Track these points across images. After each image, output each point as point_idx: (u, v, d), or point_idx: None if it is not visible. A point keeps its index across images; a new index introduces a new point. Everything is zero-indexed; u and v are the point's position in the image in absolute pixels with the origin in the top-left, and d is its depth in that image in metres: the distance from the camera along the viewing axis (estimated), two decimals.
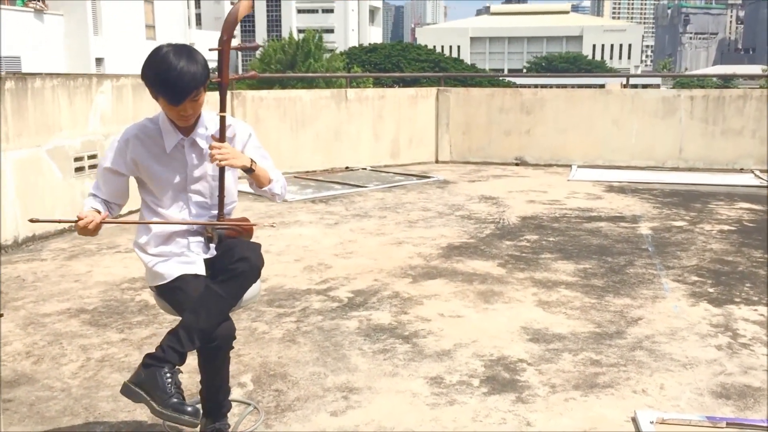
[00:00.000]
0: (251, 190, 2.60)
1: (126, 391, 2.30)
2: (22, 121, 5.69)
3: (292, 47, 35.08)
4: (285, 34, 49.62)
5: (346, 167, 9.83)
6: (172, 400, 2.19)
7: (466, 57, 74.07)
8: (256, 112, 9.21)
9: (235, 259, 2.35)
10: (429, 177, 9.07)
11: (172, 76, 2.24)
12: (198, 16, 52.73)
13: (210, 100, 2.61)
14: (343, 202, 7.53)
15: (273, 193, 2.56)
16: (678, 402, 3.08)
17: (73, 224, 2.31)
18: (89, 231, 2.30)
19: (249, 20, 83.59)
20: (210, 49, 2.45)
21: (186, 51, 2.30)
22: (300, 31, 49.13)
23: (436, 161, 10.47)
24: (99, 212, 2.39)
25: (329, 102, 9.77)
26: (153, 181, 2.47)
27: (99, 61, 36.88)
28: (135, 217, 2.65)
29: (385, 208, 7.19)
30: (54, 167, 6.05)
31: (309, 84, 25.14)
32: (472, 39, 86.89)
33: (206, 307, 2.29)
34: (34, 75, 5.91)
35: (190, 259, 2.44)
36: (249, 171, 2.43)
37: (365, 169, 9.79)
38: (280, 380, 3.27)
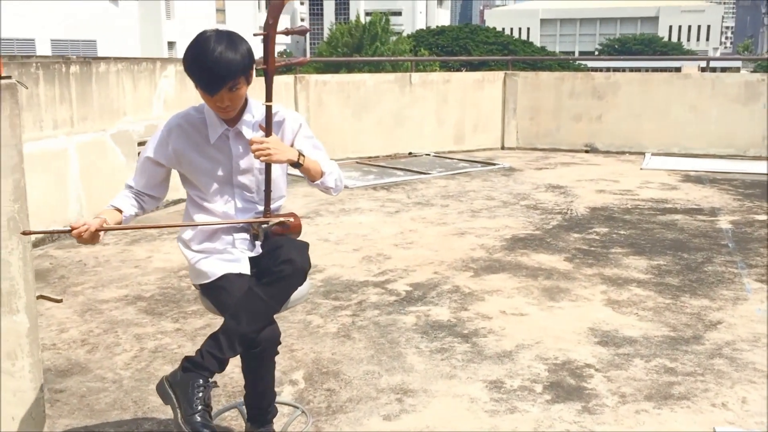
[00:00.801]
0: None
1: (160, 388, 2.20)
2: (86, 106, 5.72)
3: (359, 30, 34.99)
4: (353, 17, 49.56)
5: (409, 153, 9.65)
6: (194, 417, 2.08)
7: (536, 39, 72.54)
8: (319, 97, 9.12)
9: (279, 261, 2.20)
10: (494, 164, 8.81)
11: (207, 62, 2.12)
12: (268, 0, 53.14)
13: (258, 87, 2.46)
14: (405, 189, 7.36)
15: (326, 186, 2.40)
16: (762, 418, 2.81)
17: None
18: (85, 240, 2.13)
19: (317, 3, 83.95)
20: (254, 34, 2.30)
21: (227, 37, 2.16)
22: (367, 14, 49.01)
23: (502, 147, 10.19)
24: (120, 211, 2.30)
25: (393, 86, 9.60)
26: (196, 174, 2.34)
27: (171, 44, 37.71)
28: (179, 210, 2.54)
29: (448, 196, 6.99)
30: (118, 151, 6.08)
31: (376, 68, 25.01)
32: (543, 21, 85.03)
33: (248, 311, 2.16)
34: (98, 59, 5.94)
35: (235, 256, 2.32)
36: (297, 165, 2.29)
37: (428, 155, 9.60)
38: (333, 379, 3.15)
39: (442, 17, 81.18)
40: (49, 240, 5.41)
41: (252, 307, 2.16)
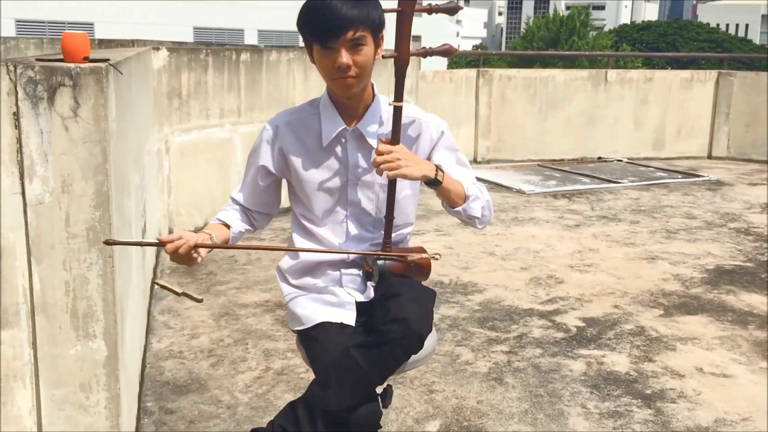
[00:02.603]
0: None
1: None
2: (254, 95, 5.56)
3: (556, 24, 33.64)
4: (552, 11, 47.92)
5: (599, 158, 8.75)
6: None
7: (755, 37, 66.19)
8: (502, 92, 8.50)
9: (389, 318, 1.65)
10: (698, 175, 7.71)
11: (324, 5, 1.66)
12: None
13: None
14: (590, 199, 6.57)
15: (469, 215, 1.83)
16: None
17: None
18: (181, 257, 1.67)
19: None
20: (385, 11, 1.74)
21: None
22: (567, 8, 47.20)
23: (709, 157, 8.98)
24: (228, 226, 1.85)
25: (585, 83, 8.74)
26: (302, 183, 1.86)
27: None
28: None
29: (639, 210, 6.11)
30: None
31: (570, 64, 23.79)
32: (764, 17, 77.39)
33: (339, 379, 1.64)
34: (270, 48, 5.76)
35: (339, 300, 1.82)
36: (434, 184, 1.74)
37: (620, 161, 8.64)
38: None
39: (650, 12, 76.56)
40: None
41: (345, 374, 1.64)
